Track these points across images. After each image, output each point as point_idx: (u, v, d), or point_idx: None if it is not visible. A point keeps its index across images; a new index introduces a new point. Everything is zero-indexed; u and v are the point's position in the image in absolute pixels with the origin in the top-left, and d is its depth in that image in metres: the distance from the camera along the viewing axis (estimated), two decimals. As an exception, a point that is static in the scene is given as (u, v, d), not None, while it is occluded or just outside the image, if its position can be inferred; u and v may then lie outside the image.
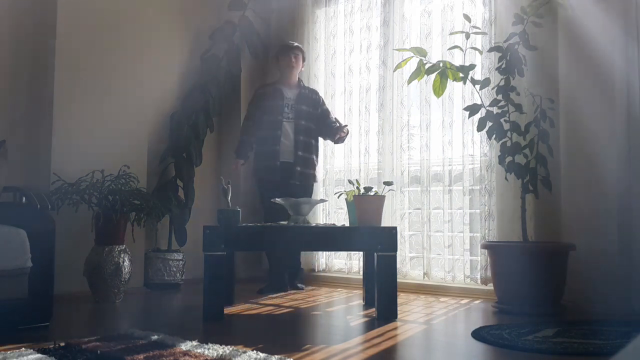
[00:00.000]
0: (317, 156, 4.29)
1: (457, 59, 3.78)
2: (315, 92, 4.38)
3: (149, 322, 3.09)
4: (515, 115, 3.44)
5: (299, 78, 4.35)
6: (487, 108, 3.45)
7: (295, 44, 4.39)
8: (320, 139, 4.38)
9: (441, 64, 3.39)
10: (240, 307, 3.42)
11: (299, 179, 4.16)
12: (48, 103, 3.88)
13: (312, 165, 4.23)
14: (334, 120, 4.30)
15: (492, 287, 3.50)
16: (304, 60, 4.37)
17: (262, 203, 4.28)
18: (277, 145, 4.13)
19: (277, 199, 3.49)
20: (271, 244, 3.29)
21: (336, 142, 4.26)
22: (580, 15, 3.43)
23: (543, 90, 3.49)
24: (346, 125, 4.19)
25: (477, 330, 2.65)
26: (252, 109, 4.31)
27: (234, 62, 4.81)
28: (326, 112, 4.32)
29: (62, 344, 2.25)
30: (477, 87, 3.51)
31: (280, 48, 4.37)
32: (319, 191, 4.64)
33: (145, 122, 4.38)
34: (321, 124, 4.27)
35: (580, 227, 3.39)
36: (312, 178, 4.25)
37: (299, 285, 4.25)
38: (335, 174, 4.66)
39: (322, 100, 4.38)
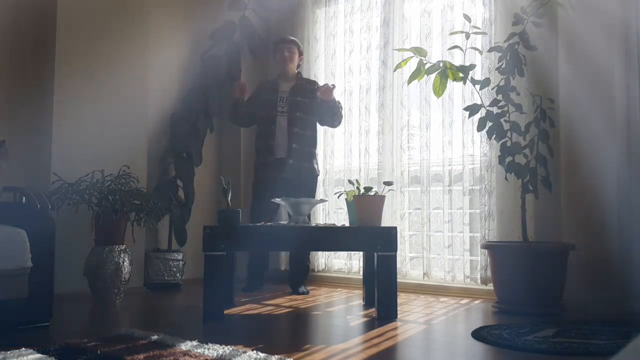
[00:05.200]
0: (315, 148, 4.17)
1: (457, 59, 3.78)
2: (313, 83, 4.26)
3: (149, 322, 3.09)
4: (515, 115, 3.44)
5: (298, 71, 4.28)
6: (487, 108, 3.45)
7: (291, 37, 4.34)
8: (321, 131, 4.31)
9: (441, 64, 3.39)
10: (240, 307, 3.42)
11: (291, 173, 4.02)
12: (48, 103, 3.88)
13: (307, 158, 4.09)
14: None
15: (492, 287, 3.50)
16: (301, 53, 4.28)
17: (252, 202, 4.19)
18: (272, 141, 4.05)
19: (276, 199, 3.48)
20: (271, 244, 3.29)
21: (329, 114, 4.07)
22: (579, 15, 3.43)
23: (543, 90, 3.49)
24: (325, 84, 4.04)
25: (477, 330, 2.65)
26: (247, 103, 4.21)
27: (234, 62, 4.82)
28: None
29: (62, 344, 2.25)
30: (477, 87, 3.51)
31: (275, 43, 4.32)
32: (319, 191, 4.64)
33: (145, 122, 4.38)
34: (318, 112, 4.14)
35: (580, 227, 3.39)
36: (309, 171, 4.11)
37: (301, 290, 4.02)
38: (335, 174, 4.65)
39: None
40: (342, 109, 4.17)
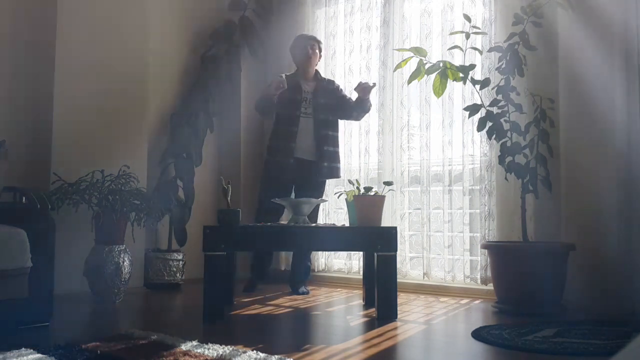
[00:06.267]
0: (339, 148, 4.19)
1: (457, 59, 3.78)
2: (332, 82, 4.24)
3: (149, 322, 3.09)
4: (515, 115, 3.44)
5: (316, 70, 4.22)
6: (487, 108, 3.45)
7: (310, 34, 4.28)
8: (341, 131, 4.28)
9: (441, 64, 3.39)
10: (240, 307, 3.42)
11: (327, 175, 4.07)
12: (48, 103, 3.88)
13: (338, 159, 4.13)
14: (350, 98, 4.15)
15: (492, 287, 3.50)
16: (320, 51, 4.21)
17: (259, 201, 4.15)
18: (292, 142, 3.99)
19: (277, 199, 3.48)
20: (271, 244, 3.29)
21: (358, 110, 4.04)
22: (579, 15, 3.43)
23: (543, 90, 3.49)
24: (365, 83, 3.93)
25: (477, 330, 2.65)
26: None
27: (234, 62, 4.82)
28: (344, 98, 4.16)
29: (62, 344, 2.25)
30: (477, 87, 3.51)
31: (295, 40, 4.21)
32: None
33: (145, 122, 4.38)
34: (341, 109, 4.12)
35: (580, 227, 3.39)
36: (338, 171, 4.13)
37: (301, 290, 4.00)
38: (336, 174, 4.65)
39: (340, 88, 4.23)
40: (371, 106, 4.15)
